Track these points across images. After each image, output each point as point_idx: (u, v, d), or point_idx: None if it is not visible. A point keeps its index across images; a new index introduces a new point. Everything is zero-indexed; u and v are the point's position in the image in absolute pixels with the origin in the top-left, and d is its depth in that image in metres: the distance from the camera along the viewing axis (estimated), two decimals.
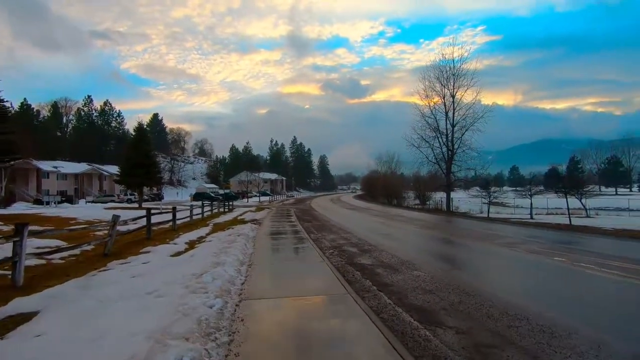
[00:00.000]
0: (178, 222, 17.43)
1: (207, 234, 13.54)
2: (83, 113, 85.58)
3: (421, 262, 8.05)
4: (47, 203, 40.61)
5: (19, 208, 35.70)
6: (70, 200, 45.77)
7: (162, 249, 9.85)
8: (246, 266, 7.17)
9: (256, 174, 70.27)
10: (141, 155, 28.66)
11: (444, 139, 36.06)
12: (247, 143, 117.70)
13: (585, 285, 6.21)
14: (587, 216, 27.77)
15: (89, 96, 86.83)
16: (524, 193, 30.27)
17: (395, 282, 6.32)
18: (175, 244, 11.02)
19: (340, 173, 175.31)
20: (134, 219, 12.39)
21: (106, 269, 7.29)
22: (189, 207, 21.50)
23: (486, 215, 29.12)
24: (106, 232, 13.23)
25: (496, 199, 30.88)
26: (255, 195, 66.00)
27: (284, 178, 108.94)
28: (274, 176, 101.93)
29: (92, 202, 48.85)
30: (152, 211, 18.07)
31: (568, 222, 20.96)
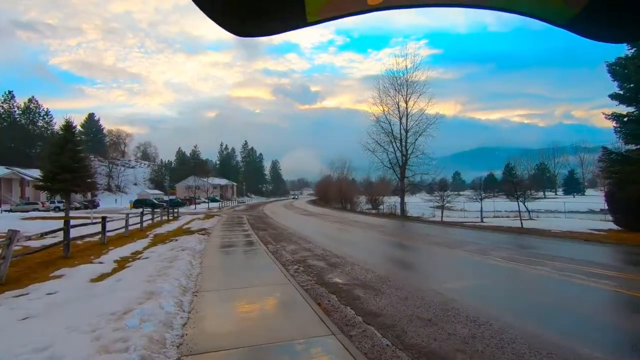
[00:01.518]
0: (111, 234, 14.94)
1: (144, 248, 11.45)
2: (2, 110, 75.38)
3: (401, 278, 6.98)
4: None
5: None
6: None
7: (82, 270, 7.79)
8: (190, 295, 5.53)
9: (205, 179, 66.38)
10: (68, 158, 24.92)
11: (398, 144, 36.31)
12: (195, 147, 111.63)
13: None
14: (530, 218, 29.23)
15: (9, 92, 76.84)
16: (474, 197, 31.18)
17: (383, 308, 5.12)
18: (100, 262, 8.94)
19: (292, 178, 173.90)
20: (53, 232, 10.00)
21: None
22: (133, 215, 18.81)
23: (440, 219, 29.53)
24: (18, 248, 10.68)
25: (449, 203, 31.45)
26: (204, 202, 62.24)
27: (234, 183, 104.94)
28: (224, 181, 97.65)
29: (10, 210, 42.43)
30: (79, 222, 15.38)
31: (519, 225, 21.57)
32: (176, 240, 12.85)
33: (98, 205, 59.35)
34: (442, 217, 29.94)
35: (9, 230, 7.09)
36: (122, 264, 8.79)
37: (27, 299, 5.68)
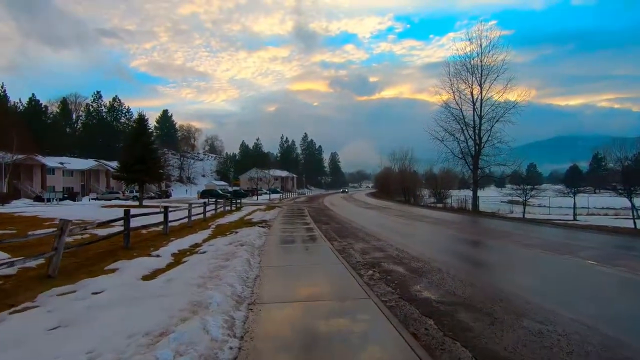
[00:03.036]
0: (175, 223, 14.90)
1: (204, 241, 10.89)
2: (92, 109, 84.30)
3: (516, 298, 5.19)
4: (48, 200, 38.78)
5: (17, 205, 33.85)
6: (73, 197, 43.86)
7: (136, 264, 7.19)
8: (245, 308, 4.40)
9: (266, 171, 67.77)
10: (141, 150, 26.19)
11: (471, 132, 32.83)
12: (257, 140, 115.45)
13: None
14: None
15: (97, 92, 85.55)
16: (566, 191, 26.95)
17: (514, 350, 3.49)
18: (158, 256, 8.37)
19: (349, 170, 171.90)
20: (118, 220, 9.80)
21: (27, 307, 4.66)
22: (197, 205, 18.99)
23: (519, 216, 25.99)
24: (78, 237, 10.77)
25: (532, 198, 27.53)
26: (266, 193, 63.52)
27: (294, 175, 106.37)
28: (284, 173, 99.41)
29: (96, 199, 46.97)
30: (145, 211, 15.60)
31: (630, 226, 17.77)
32: (236, 232, 12.18)
33: (170, 195, 63.70)
34: (523, 213, 26.33)
35: (60, 219, 6.65)
36: (178, 258, 8.12)
37: (71, 298, 5.02)
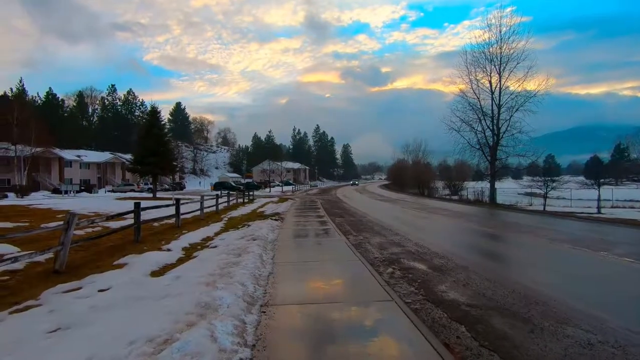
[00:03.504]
0: (188, 215, 14.75)
1: (216, 234, 10.64)
2: (107, 102, 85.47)
3: (555, 300, 4.71)
4: (66, 192, 39.45)
5: (35, 197, 34.54)
6: (89, 189, 44.59)
7: (146, 259, 6.95)
8: (257, 311, 4.05)
9: (279, 163, 67.61)
10: (154, 142, 26.18)
11: (489, 122, 31.75)
12: (270, 132, 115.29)
13: None
14: None
15: (112, 85, 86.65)
16: (590, 183, 25.82)
17: None
18: (168, 250, 8.14)
19: (361, 162, 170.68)
20: (128, 213, 9.62)
21: (29, 305, 4.42)
22: (209, 197, 18.85)
23: (538, 209, 25.09)
24: (89, 230, 10.66)
25: (554, 190, 26.45)
26: (278, 185, 63.47)
27: (307, 167, 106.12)
28: (296, 165, 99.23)
29: (112, 191, 47.66)
30: (158, 203, 15.47)
31: None
32: (249, 225, 11.91)
33: (184, 187, 64.28)
34: (544, 206, 25.40)
35: (67, 213, 6.42)
36: (189, 252, 7.86)
37: (75, 296, 4.77)
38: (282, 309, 4.21)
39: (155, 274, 5.98)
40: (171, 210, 13.45)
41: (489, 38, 30.39)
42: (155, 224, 12.43)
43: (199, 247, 8.60)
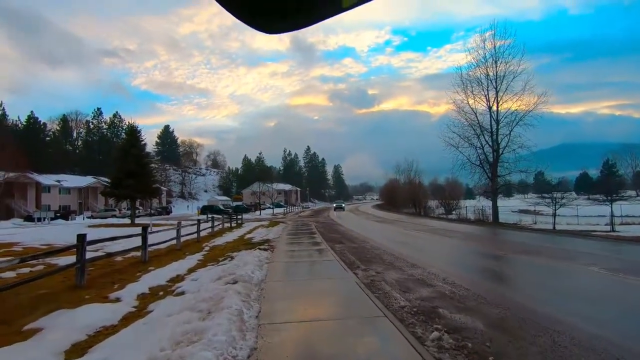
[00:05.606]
0: (163, 245, 12.54)
1: (189, 271, 8.49)
2: (92, 126, 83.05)
3: None
4: (39, 219, 36.55)
5: (3, 226, 31.66)
6: (66, 216, 41.69)
7: (75, 319, 4.81)
8: None
9: (269, 185, 65.42)
10: (132, 163, 23.98)
11: (487, 138, 30.57)
12: (260, 154, 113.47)
13: None
14: None
15: (98, 109, 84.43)
16: (602, 199, 24.34)
17: None
18: (117, 299, 5.99)
19: (353, 183, 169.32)
20: (68, 249, 7.41)
21: None
22: (194, 223, 16.70)
23: (547, 227, 23.43)
24: (27, 271, 8.42)
25: (563, 207, 24.84)
26: (269, 207, 61.06)
27: (298, 189, 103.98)
28: (287, 187, 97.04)
29: (91, 217, 44.79)
30: (129, 231, 13.16)
31: None
32: (231, 258, 9.76)
33: (171, 211, 61.49)
34: (554, 224, 23.72)
35: None
36: (143, 304, 5.71)
37: None
38: None
39: (73, 351, 3.85)
40: (161, 237, 11.38)
41: (484, 54, 29.64)
42: (119, 258, 10.21)
43: (160, 292, 6.46)
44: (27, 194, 47.81)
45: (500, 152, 30.12)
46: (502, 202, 39.04)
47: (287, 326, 4.39)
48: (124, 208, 45.48)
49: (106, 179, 60.82)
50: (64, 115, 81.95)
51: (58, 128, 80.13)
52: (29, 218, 37.87)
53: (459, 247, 12.93)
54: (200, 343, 3.41)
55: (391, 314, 4.80)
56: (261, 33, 0.75)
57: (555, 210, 24.13)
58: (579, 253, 10.62)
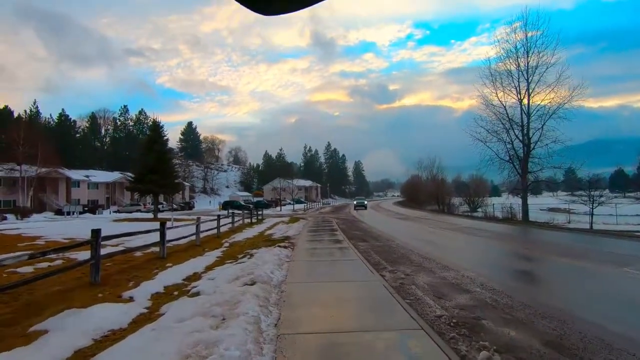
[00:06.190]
0: (183, 241, 12.39)
1: (207, 268, 8.16)
2: (119, 123, 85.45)
3: None
4: (69, 213, 37.77)
5: (35, 219, 32.88)
6: (94, 210, 42.93)
7: (83, 321, 4.49)
8: None
9: (290, 181, 65.36)
10: (155, 158, 24.15)
11: (517, 132, 29.01)
12: (280, 150, 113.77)
13: None
14: None
15: (124, 106, 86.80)
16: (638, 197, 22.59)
17: None
18: (131, 298, 5.68)
19: (373, 179, 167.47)
20: (79, 245, 7.21)
21: None
22: (214, 218, 16.66)
23: (584, 227, 21.97)
24: (45, 266, 8.31)
25: (601, 205, 23.24)
26: (289, 203, 61.00)
27: (318, 185, 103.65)
28: (308, 183, 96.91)
29: (117, 211, 45.96)
30: (149, 226, 13.07)
31: None
32: (251, 256, 9.37)
33: (193, 206, 62.39)
34: (591, 224, 22.23)
35: None
36: (156, 305, 5.36)
37: None
38: None
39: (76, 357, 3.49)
40: (182, 232, 11.30)
41: (514, 44, 28.08)
42: (139, 253, 10.05)
43: (175, 292, 6.11)
44: (58, 188, 49.55)
45: (532, 147, 28.53)
46: (530, 200, 37.36)
47: (309, 338, 3.87)
48: (149, 203, 46.46)
49: (131, 175, 62.74)
50: (92, 112, 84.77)
51: (87, 125, 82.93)
52: (59, 212, 39.22)
53: (492, 248, 12.08)
54: (222, 342, 2.96)
55: (427, 325, 4.21)
56: (261, 15, 0.78)
57: (592, 208, 22.59)
58: (632, 257, 9.60)
